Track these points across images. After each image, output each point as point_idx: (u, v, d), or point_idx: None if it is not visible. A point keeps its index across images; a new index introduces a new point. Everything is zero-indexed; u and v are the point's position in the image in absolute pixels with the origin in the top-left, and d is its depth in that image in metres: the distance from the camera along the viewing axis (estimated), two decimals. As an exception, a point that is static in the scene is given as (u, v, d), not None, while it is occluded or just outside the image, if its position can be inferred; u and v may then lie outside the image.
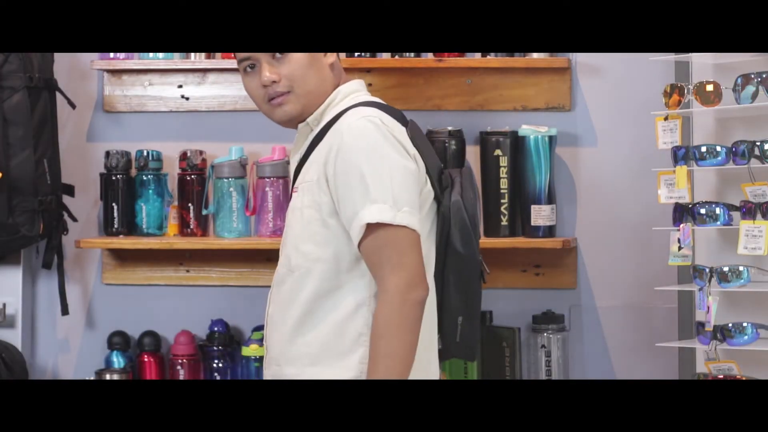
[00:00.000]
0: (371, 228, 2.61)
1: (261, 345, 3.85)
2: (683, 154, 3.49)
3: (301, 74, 2.74)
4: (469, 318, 2.76)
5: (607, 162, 3.89)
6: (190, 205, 3.94)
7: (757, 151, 3.37)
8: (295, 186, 2.81)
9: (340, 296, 2.68)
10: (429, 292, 2.64)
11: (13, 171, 3.69)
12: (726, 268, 3.40)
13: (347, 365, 2.65)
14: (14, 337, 3.96)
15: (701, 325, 3.46)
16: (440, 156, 3.77)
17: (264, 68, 2.78)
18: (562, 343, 3.78)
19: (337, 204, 2.68)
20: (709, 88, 3.46)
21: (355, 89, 2.82)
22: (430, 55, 3.85)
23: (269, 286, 4.05)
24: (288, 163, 3.90)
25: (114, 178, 3.94)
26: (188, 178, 3.94)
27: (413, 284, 2.59)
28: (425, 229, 2.70)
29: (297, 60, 2.74)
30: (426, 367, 2.70)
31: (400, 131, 2.72)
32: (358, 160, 2.64)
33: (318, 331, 2.68)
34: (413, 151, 2.71)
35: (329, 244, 2.69)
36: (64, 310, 3.94)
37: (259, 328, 3.96)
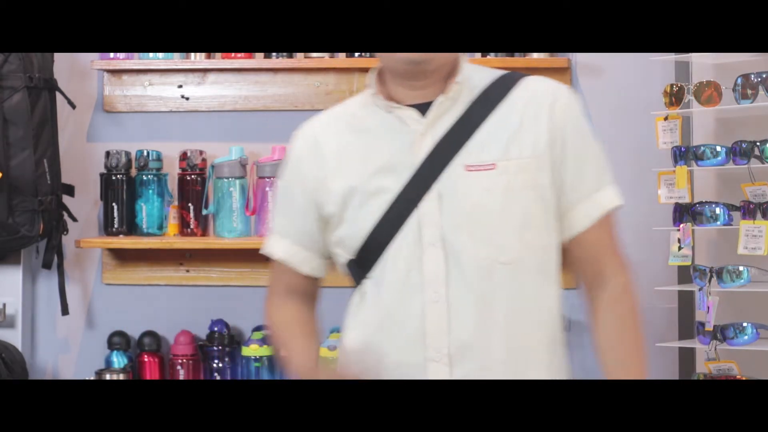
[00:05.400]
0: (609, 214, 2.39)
1: (261, 345, 3.85)
2: (683, 154, 3.50)
3: None
4: None
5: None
6: (190, 205, 3.94)
7: (757, 151, 3.37)
8: (474, 164, 2.32)
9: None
10: None
11: (13, 171, 3.69)
12: (726, 268, 3.40)
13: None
14: (14, 337, 3.96)
15: (701, 325, 3.46)
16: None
17: None
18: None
19: (562, 184, 2.36)
20: (709, 88, 3.46)
21: None
22: (430, 55, 3.85)
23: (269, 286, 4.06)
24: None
25: (114, 178, 3.94)
26: (188, 178, 3.94)
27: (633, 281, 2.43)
28: None
29: None
30: None
31: None
32: (589, 136, 2.40)
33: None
34: None
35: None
36: (64, 310, 3.95)
37: (259, 327, 3.97)
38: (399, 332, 2.35)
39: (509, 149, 2.32)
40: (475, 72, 2.41)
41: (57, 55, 3.91)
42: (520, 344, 2.34)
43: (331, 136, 2.45)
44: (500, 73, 2.43)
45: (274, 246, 2.51)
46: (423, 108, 2.36)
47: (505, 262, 2.31)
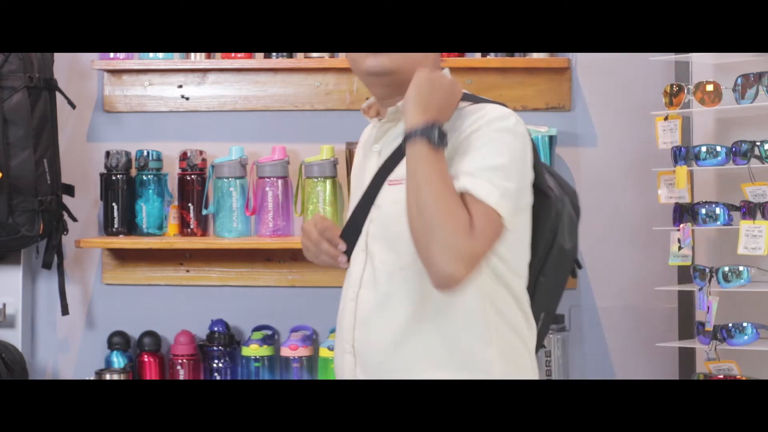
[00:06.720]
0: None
1: (261, 345, 3.85)
2: (683, 154, 3.49)
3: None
4: (550, 313, 2.67)
5: (607, 162, 3.89)
6: (190, 205, 3.94)
7: (757, 151, 3.37)
8: (394, 179, 2.50)
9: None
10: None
11: (13, 171, 3.69)
12: (726, 268, 3.40)
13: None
14: (14, 337, 3.96)
15: (701, 325, 3.46)
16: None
17: None
18: (562, 343, 3.78)
19: None
20: (709, 88, 3.46)
21: None
22: (430, 55, 3.85)
23: (269, 286, 4.07)
24: (287, 162, 3.90)
25: (114, 178, 3.94)
26: (188, 178, 3.94)
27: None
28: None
29: None
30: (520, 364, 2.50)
31: None
32: (484, 151, 2.42)
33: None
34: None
35: None
36: (64, 310, 3.94)
37: (259, 327, 3.97)
38: (338, 324, 2.57)
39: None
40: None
41: (57, 55, 3.91)
42: (417, 344, 2.43)
43: (364, 138, 2.67)
44: (468, 104, 2.50)
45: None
46: None
47: (402, 267, 2.44)
